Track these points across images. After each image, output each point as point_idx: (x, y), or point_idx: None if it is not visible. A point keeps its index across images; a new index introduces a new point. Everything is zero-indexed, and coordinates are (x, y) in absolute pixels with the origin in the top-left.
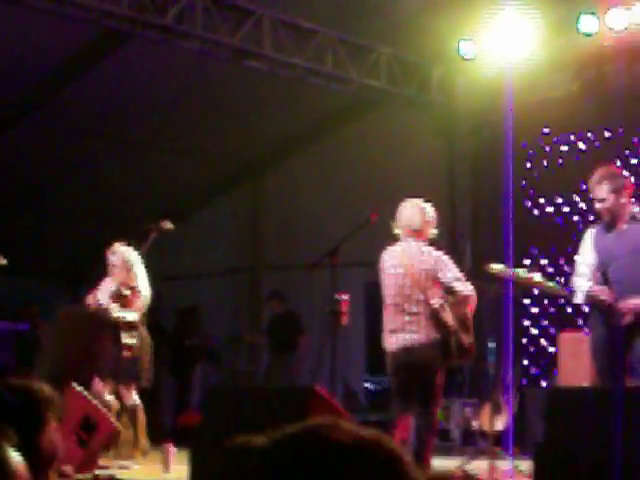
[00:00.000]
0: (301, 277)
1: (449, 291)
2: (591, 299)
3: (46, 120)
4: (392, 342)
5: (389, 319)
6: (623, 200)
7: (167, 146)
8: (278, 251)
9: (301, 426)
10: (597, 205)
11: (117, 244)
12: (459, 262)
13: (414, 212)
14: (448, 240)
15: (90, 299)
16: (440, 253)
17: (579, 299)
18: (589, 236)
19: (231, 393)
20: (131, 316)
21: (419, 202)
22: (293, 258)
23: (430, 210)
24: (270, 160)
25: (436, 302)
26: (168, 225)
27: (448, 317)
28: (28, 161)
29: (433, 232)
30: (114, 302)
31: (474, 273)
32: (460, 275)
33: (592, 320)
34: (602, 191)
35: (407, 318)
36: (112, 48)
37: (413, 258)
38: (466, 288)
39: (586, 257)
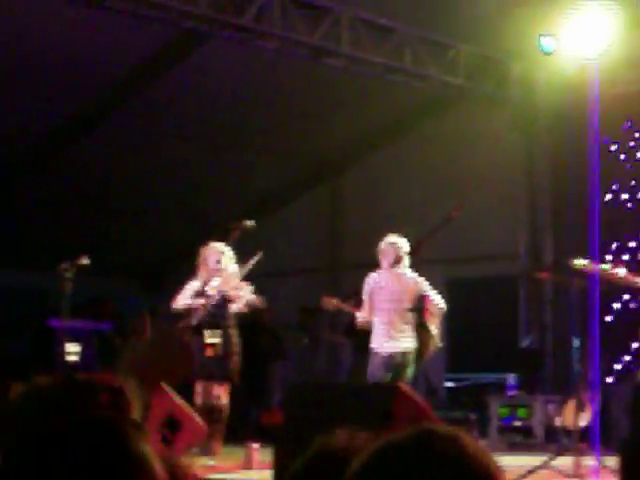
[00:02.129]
0: None
1: None
2: None
3: (126, 121)
4: None
5: None
6: None
7: (247, 146)
8: (358, 250)
9: (401, 437)
10: None
11: (214, 242)
12: (539, 257)
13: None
14: (527, 235)
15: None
16: None
17: None
18: None
19: (313, 391)
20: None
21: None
22: (373, 257)
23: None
24: (349, 159)
25: None
26: (250, 224)
27: None
28: (109, 161)
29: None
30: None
31: (555, 268)
32: None
33: None
34: None
35: None
36: (190, 49)
37: None
38: None
39: None
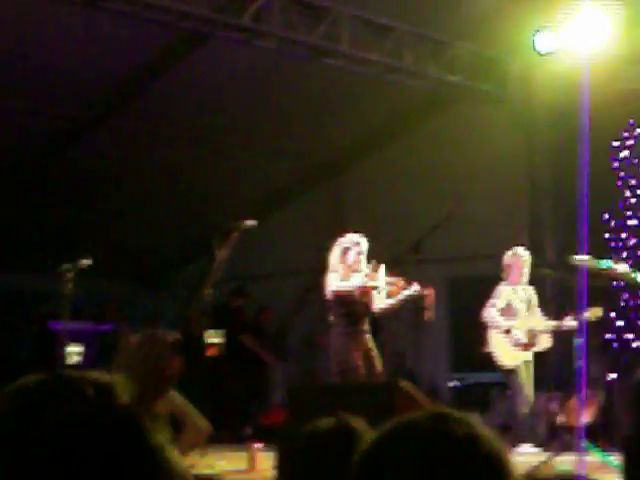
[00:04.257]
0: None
1: None
2: None
3: (126, 123)
4: None
5: None
6: None
7: (247, 147)
8: None
9: (415, 417)
10: None
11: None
12: (540, 254)
13: None
14: (528, 232)
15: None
16: None
17: None
18: None
19: (314, 391)
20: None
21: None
22: (374, 256)
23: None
24: (350, 158)
25: None
26: (251, 224)
27: None
28: (109, 163)
29: None
30: None
31: (557, 265)
32: None
33: None
34: None
35: None
36: (190, 50)
37: None
38: None
39: None
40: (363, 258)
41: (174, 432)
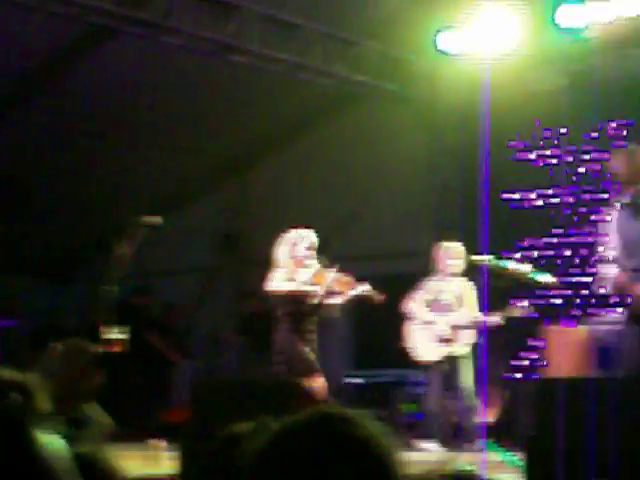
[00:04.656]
0: None
1: None
2: (619, 290)
3: (30, 117)
4: None
5: None
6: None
7: (154, 142)
8: (264, 248)
9: (302, 417)
10: (618, 180)
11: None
12: None
13: None
14: (434, 232)
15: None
16: None
17: (604, 289)
18: (613, 218)
19: (217, 388)
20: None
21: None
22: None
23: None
24: (257, 155)
25: None
26: (155, 220)
27: None
28: (12, 158)
29: None
30: None
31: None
32: None
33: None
34: (622, 166)
35: None
36: (97, 44)
37: None
38: None
39: (611, 241)
40: (312, 253)
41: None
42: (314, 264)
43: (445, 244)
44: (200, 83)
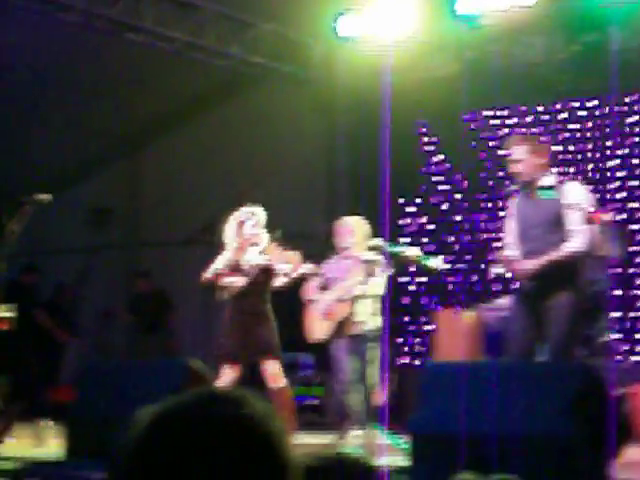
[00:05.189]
0: (178, 254)
1: None
2: (508, 268)
3: None
4: None
5: None
6: (540, 162)
7: (48, 119)
8: (156, 228)
9: (187, 397)
10: (513, 167)
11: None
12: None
13: None
14: (326, 216)
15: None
16: None
17: (501, 269)
18: (512, 203)
19: (107, 369)
20: None
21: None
22: (172, 235)
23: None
24: (150, 135)
25: None
26: (44, 198)
27: None
28: None
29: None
30: None
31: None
32: None
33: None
34: (519, 152)
35: None
36: None
37: None
38: None
39: (510, 226)
40: (260, 230)
41: None
42: (263, 242)
43: (341, 220)
44: (93, 60)
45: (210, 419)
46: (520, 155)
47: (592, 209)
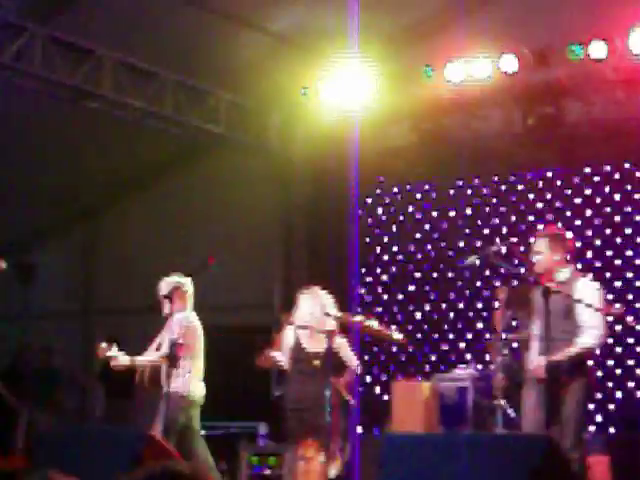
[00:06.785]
0: (136, 321)
1: None
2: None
3: None
4: None
5: None
6: (556, 257)
7: (5, 184)
8: (113, 295)
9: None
10: (532, 257)
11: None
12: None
13: None
14: (282, 286)
15: None
16: None
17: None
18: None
19: (61, 436)
20: None
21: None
22: (127, 302)
23: None
24: (107, 202)
25: None
26: (2, 265)
27: None
28: None
29: None
30: None
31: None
32: None
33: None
34: (540, 245)
35: None
36: None
37: None
38: None
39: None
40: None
41: None
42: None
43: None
44: (52, 127)
45: None
46: (539, 247)
47: (601, 306)
